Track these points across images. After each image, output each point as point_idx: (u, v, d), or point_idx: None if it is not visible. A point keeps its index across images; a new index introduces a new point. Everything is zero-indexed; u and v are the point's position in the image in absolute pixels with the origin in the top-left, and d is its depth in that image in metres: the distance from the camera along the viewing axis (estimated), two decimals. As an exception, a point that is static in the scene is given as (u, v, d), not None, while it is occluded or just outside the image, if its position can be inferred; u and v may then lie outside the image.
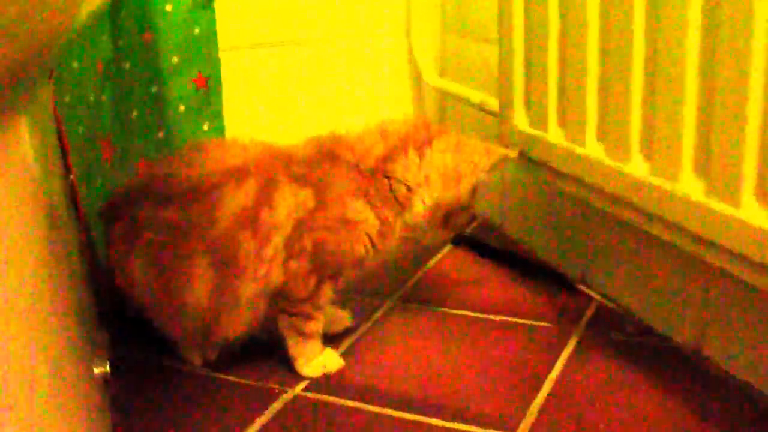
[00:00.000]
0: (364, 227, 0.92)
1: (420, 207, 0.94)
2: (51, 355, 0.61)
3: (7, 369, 0.55)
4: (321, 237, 0.89)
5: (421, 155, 0.94)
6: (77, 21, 0.49)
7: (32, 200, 0.61)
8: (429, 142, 0.95)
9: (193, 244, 0.87)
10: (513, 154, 1.01)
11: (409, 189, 0.94)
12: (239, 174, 0.89)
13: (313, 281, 0.90)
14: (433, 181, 0.94)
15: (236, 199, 0.88)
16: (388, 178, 0.93)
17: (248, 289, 0.88)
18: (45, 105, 0.80)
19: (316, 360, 0.94)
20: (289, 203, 0.89)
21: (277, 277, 0.89)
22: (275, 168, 0.91)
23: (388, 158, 0.93)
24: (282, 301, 0.91)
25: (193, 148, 0.97)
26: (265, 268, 0.88)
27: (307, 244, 0.89)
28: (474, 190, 0.97)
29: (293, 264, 0.89)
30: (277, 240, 0.88)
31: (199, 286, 0.87)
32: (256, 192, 0.88)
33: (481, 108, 1.26)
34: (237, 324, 0.90)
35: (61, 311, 0.65)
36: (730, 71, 0.70)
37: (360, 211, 0.91)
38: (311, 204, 0.89)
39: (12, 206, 0.57)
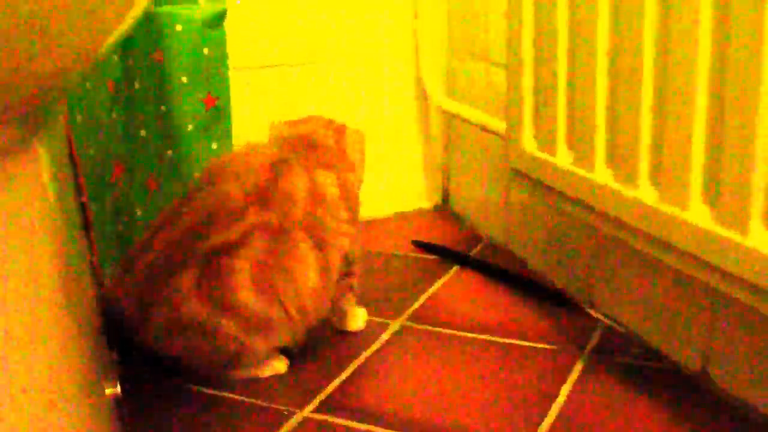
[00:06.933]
0: (356, 191, 1.08)
1: (360, 174, 1.11)
2: (66, 374, 0.61)
3: (24, 387, 0.56)
4: (352, 202, 1.04)
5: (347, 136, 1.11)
6: (100, 53, 0.50)
7: (48, 221, 0.62)
8: (345, 128, 1.11)
9: (294, 232, 0.95)
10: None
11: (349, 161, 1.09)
12: (283, 165, 0.99)
13: (357, 242, 1.05)
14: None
15: (301, 181, 0.98)
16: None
17: (336, 260, 0.99)
18: (59, 126, 0.81)
19: (361, 314, 1.10)
20: (330, 182, 1.01)
21: (347, 245, 1.01)
22: (305, 157, 1.03)
23: (339, 139, 1.09)
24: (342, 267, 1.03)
25: (216, 168, 1.01)
26: (343, 238, 1.00)
27: (349, 210, 1.03)
28: None
29: (352, 230, 1.03)
30: (343, 213, 1.01)
31: (310, 268, 0.96)
32: (306, 176, 0.99)
33: (488, 130, 1.27)
34: (329, 302, 1.01)
35: (75, 331, 0.65)
36: (740, 99, 0.71)
37: (353, 180, 1.07)
38: (336, 180, 1.02)
39: (29, 227, 0.58)
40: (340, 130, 1.10)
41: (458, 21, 1.45)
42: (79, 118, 1.05)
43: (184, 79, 1.16)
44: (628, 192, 0.86)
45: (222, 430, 0.88)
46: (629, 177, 0.86)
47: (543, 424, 0.86)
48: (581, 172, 0.94)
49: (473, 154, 1.45)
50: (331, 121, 1.12)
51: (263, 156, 1.00)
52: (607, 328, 1.07)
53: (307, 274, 0.96)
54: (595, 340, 1.04)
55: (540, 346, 1.03)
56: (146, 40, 1.15)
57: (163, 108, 1.17)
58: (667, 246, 0.82)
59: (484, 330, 1.08)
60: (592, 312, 1.11)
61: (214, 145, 1.20)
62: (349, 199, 1.04)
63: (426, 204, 1.59)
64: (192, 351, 0.94)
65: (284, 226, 0.95)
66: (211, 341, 0.92)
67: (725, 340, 0.90)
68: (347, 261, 1.03)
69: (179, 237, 0.93)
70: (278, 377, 0.98)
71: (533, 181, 1.05)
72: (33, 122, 0.57)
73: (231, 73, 1.20)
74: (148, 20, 1.13)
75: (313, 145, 1.05)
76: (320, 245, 0.97)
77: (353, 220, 1.04)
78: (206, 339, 0.92)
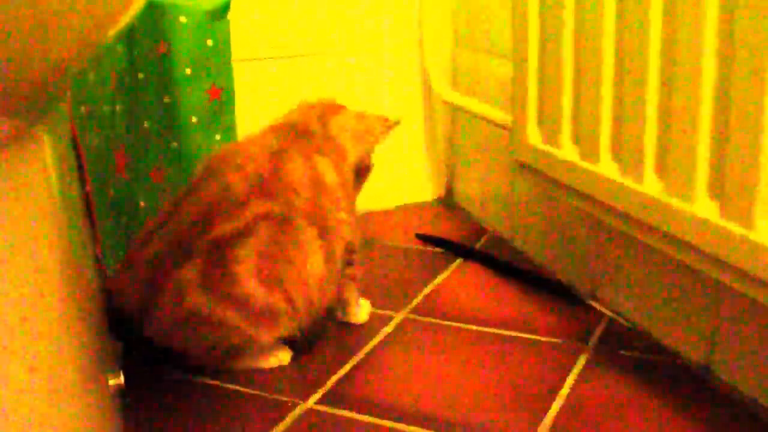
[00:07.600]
0: (352, 176, 1.07)
1: (351, 158, 1.08)
2: (71, 364, 0.61)
3: (27, 377, 0.56)
4: (349, 189, 1.04)
5: (337, 119, 1.09)
6: (103, 42, 0.50)
7: (53, 212, 0.62)
8: (339, 110, 1.09)
9: (298, 221, 0.95)
10: (401, 120, 1.15)
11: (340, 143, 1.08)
12: (284, 154, 0.98)
13: (357, 230, 1.05)
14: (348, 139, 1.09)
15: (302, 171, 0.98)
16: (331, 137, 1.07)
17: (339, 248, 1.00)
18: (63, 117, 0.81)
19: (365, 307, 1.10)
20: (329, 169, 1.01)
21: (348, 233, 1.02)
22: (300, 145, 1.01)
23: (324, 123, 1.07)
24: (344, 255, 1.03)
25: (217, 159, 1.00)
26: (344, 226, 1.01)
27: (347, 197, 1.03)
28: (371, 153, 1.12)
29: (351, 218, 1.03)
30: (342, 200, 1.01)
31: (314, 256, 0.96)
32: (306, 164, 0.99)
33: (493, 122, 1.27)
34: (334, 291, 1.01)
35: (80, 321, 0.65)
36: (745, 92, 0.70)
37: (346, 169, 1.05)
38: (334, 167, 1.02)
39: (35, 218, 0.58)
40: (325, 114, 1.08)
41: (463, 12, 1.44)
42: (83, 109, 1.05)
43: (188, 71, 1.16)
44: (633, 185, 0.86)
45: (225, 421, 0.88)
46: (634, 170, 0.86)
47: (546, 416, 0.86)
48: (586, 164, 0.94)
49: (477, 147, 1.45)
50: (313, 106, 1.09)
51: (263, 146, 1.00)
52: (611, 321, 1.07)
53: (312, 262, 0.96)
54: (599, 333, 1.04)
55: (544, 339, 1.03)
56: (150, 32, 1.14)
57: (166, 99, 1.17)
58: (671, 239, 0.82)
59: (487, 323, 1.08)
60: (596, 305, 1.11)
61: (218, 137, 1.20)
62: (346, 186, 1.04)
63: (430, 196, 1.59)
64: (196, 342, 0.94)
65: (287, 215, 0.95)
66: (215, 332, 0.92)
67: (729, 334, 0.90)
68: (348, 250, 1.03)
69: (182, 228, 0.93)
70: (282, 369, 0.98)
71: (538, 174, 1.05)
72: (37, 112, 0.56)
73: (235, 65, 1.20)
74: (153, 11, 1.13)
75: (303, 134, 1.04)
76: (323, 233, 0.97)
77: (351, 206, 1.04)
78: (210, 330, 0.92)
